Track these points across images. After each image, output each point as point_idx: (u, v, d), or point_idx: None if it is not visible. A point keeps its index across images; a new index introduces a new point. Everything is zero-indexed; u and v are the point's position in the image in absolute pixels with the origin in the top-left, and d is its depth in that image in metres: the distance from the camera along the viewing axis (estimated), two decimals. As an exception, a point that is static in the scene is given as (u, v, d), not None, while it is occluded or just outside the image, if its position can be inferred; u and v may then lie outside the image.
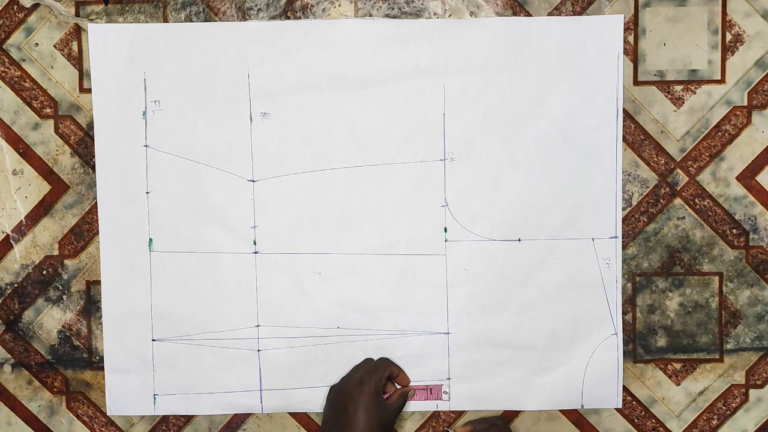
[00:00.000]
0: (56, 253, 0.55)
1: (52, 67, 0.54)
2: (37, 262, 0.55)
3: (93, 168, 0.54)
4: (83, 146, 0.54)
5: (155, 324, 0.55)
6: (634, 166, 0.53)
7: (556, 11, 0.53)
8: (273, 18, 0.53)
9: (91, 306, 0.55)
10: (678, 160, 0.54)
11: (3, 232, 0.55)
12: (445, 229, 0.54)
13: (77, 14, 0.53)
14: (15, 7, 0.54)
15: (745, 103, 0.53)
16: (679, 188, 0.54)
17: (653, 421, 0.55)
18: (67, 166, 0.55)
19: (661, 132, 0.53)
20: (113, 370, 0.55)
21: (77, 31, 0.54)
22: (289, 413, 0.56)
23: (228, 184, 0.54)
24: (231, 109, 0.53)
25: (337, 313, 0.54)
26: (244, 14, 0.53)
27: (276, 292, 0.54)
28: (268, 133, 0.53)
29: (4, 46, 0.54)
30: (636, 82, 0.53)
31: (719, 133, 0.53)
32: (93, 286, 0.55)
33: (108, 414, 0.56)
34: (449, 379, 0.55)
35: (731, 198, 0.54)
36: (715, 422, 0.55)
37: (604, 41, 0.52)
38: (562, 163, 0.53)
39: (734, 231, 0.54)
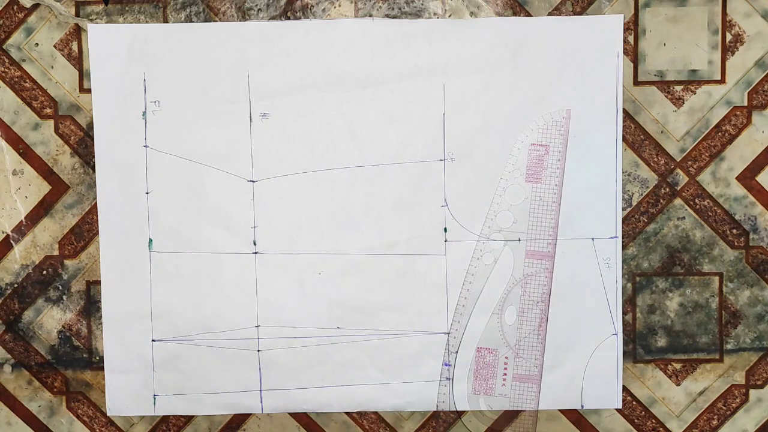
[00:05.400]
0: (56, 253, 0.55)
1: (52, 67, 0.54)
2: (37, 262, 0.55)
3: (93, 168, 0.54)
4: (83, 146, 0.54)
5: (155, 324, 0.55)
6: (634, 166, 0.54)
7: (556, 11, 0.53)
8: (273, 18, 0.53)
9: (91, 306, 0.55)
10: (678, 160, 0.54)
11: (3, 232, 0.55)
12: (445, 229, 0.54)
13: (77, 14, 0.53)
14: (15, 7, 0.54)
15: (745, 104, 0.53)
16: (679, 188, 0.54)
17: (653, 421, 0.55)
18: (67, 166, 0.55)
19: (661, 132, 0.53)
20: (113, 370, 0.55)
21: (77, 31, 0.54)
22: (289, 413, 0.56)
23: (228, 184, 0.54)
24: (231, 109, 0.53)
25: (337, 313, 0.54)
26: (244, 14, 0.53)
27: (276, 292, 0.54)
28: (268, 133, 0.53)
29: (4, 46, 0.54)
30: (636, 82, 0.53)
31: (719, 133, 0.53)
32: (93, 286, 0.55)
33: (108, 414, 0.56)
34: (449, 379, 0.55)
35: (731, 198, 0.54)
36: (715, 422, 0.55)
37: (604, 41, 0.52)
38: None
39: (734, 231, 0.54)
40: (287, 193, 0.54)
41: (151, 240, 0.54)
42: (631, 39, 0.53)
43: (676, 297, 0.54)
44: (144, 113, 0.53)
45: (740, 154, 0.53)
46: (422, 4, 0.53)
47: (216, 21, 0.53)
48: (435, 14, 0.53)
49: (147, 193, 0.54)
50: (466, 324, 0.54)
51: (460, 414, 0.55)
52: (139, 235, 0.54)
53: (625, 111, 0.53)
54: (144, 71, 0.53)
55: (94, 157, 0.54)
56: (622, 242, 0.54)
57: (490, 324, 0.54)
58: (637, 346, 0.55)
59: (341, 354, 0.55)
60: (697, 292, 0.54)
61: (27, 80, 0.54)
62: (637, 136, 0.53)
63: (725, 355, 0.55)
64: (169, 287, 0.54)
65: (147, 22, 0.53)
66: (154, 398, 0.55)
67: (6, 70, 0.54)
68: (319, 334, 0.54)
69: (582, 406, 0.55)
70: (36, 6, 0.54)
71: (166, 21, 0.53)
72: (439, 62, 0.53)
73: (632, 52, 0.53)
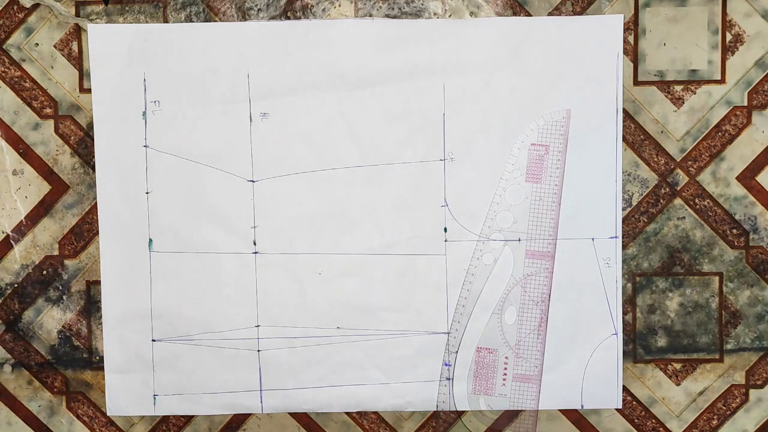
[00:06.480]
0: (56, 253, 0.55)
1: (52, 67, 0.54)
2: (37, 262, 0.55)
3: (93, 168, 0.54)
4: (83, 146, 0.54)
5: (155, 324, 0.55)
6: (634, 166, 0.54)
7: (556, 11, 0.53)
8: (273, 18, 0.53)
9: (91, 306, 0.55)
10: (678, 160, 0.54)
11: (3, 232, 0.55)
12: (445, 229, 0.54)
13: (77, 14, 0.53)
14: (15, 7, 0.54)
15: (745, 103, 0.53)
16: (679, 188, 0.54)
17: (653, 421, 0.55)
18: (67, 166, 0.55)
19: (661, 132, 0.53)
20: (113, 370, 0.55)
21: (77, 31, 0.54)
22: (289, 413, 0.56)
23: (228, 184, 0.54)
24: (231, 109, 0.53)
25: (337, 313, 0.54)
26: (244, 14, 0.53)
27: (276, 292, 0.54)
28: (268, 133, 0.53)
29: (4, 46, 0.54)
30: (636, 82, 0.53)
31: (719, 133, 0.53)
32: (93, 286, 0.55)
33: (108, 414, 0.56)
34: (449, 379, 0.55)
35: (731, 198, 0.54)
36: (715, 422, 0.55)
37: (604, 41, 0.52)
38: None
39: (734, 231, 0.54)
40: (287, 193, 0.54)
41: (151, 240, 0.54)
42: (631, 39, 0.53)
43: (676, 297, 0.54)
44: (144, 113, 0.53)
45: (740, 154, 0.53)
46: (422, 4, 0.53)
47: (216, 21, 0.53)
48: (435, 14, 0.53)
49: (147, 193, 0.54)
50: (466, 324, 0.54)
51: (460, 414, 0.55)
52: (139, 235, 0.54)
53: (625, 111, 0.53)
54: (144, 71, 0.53)
55: (94, 157, 0.54)
56: (622, 242, 0.54)
57: (490, 324, 0.54)
58: (637, 346, 0.55)
59: (341, 354, 0.55)
60: (697, 292, 0.54)
61: (27, 80, 0.54)
62: (637, 136, 0.53)
63: (725, 355, 0.55)
64: (169, 287, 0.54)
65: (147, 22, 0.53)
66: (154, 398, 0.55)
67: (6, 70, 0.54)
68: (319, 334, 0.54)
69: (582, 406, 0.55)
70: (36, 6, 0.54)
71: (166, 21, 0.53)
72: (439, 62, 0.53)
73: (632, 52, 0.53)
